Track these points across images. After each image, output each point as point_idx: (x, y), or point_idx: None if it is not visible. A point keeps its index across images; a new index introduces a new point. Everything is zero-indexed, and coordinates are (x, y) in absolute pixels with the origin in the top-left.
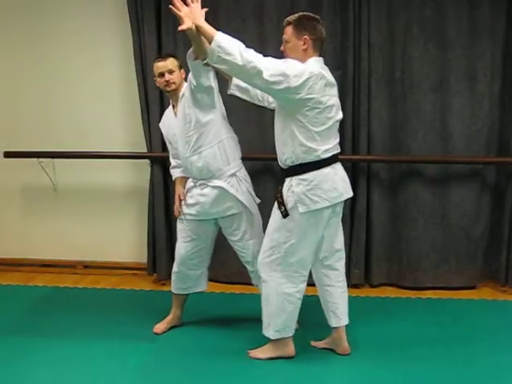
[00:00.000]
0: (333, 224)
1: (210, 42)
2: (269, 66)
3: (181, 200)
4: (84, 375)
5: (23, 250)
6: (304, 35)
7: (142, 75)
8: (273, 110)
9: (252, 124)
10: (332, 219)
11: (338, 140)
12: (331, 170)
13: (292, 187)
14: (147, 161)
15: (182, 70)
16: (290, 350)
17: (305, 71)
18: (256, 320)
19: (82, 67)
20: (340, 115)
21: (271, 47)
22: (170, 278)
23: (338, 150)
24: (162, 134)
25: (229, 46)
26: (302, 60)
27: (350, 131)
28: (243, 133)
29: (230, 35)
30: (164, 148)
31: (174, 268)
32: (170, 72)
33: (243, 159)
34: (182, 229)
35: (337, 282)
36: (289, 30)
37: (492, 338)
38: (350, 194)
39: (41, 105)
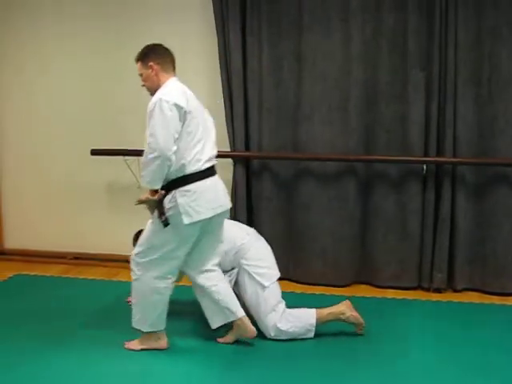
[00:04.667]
0: (214, 234)
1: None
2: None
3: None
4: (155, 370)
5: (109, 245)
6: (149, 63)
7: (226, 75)
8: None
9: (335, 125)
10: (213, 228)
11: (214, 152)
12: (212, 181)
13: (175, 198)
14: (230, 160)
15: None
16: (164, 342)
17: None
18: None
19: None
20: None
21: (355, 48)
22: None
23: (215, 162)
24: (245, 134)
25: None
26: (159, 84)
27: (434, 133)
28: (325, 133)
29: (313, 37)
30: (247, 147)
31: None
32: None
33: (325, 159)
34: None
35: (219, 280)
36: (138, 66)
37: None
38: (229, 205)
39: (124, 103)
